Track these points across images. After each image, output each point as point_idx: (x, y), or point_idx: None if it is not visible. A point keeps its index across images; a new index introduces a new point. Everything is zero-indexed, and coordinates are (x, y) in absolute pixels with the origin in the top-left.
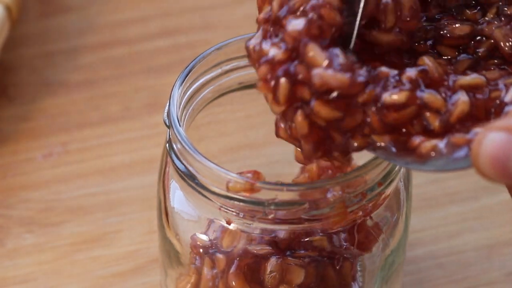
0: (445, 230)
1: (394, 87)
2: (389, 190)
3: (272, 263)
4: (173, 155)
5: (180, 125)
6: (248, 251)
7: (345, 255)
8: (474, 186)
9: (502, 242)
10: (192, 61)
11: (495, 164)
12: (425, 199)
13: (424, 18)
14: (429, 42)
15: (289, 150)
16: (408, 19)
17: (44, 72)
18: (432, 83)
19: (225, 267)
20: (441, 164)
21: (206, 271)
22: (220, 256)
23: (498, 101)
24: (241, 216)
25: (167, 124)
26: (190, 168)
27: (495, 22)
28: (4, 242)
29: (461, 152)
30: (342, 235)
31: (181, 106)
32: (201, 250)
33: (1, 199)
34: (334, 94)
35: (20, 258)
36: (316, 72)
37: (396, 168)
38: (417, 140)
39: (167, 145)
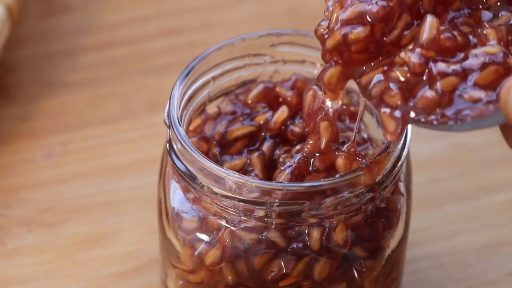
0: (445, 230)
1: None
2: (389, 190)
3: (271, 263)
4: (173, 155)
5: (180, 125)
6: (246, 251)
7: (345, 255)
8: (474, 186)
9: (502, 242)
10: (192, 61)
11: None
12: (425, 199)
13: None
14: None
15: None
16: None
17: (44, 72)
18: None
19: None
20: (468, 127)
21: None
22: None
23: None
24: (241, 216)
25: (167, 124)
26: (190, 168)
27: None
28: (4, 242)
29: (489, 109)
30: (342, 235)
31: (181, 106)
32: (200, 250)
33: (1, 199)
34: None
35: (20, 258)
36: None
37: (396, 168)
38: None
39: (167, 145)
